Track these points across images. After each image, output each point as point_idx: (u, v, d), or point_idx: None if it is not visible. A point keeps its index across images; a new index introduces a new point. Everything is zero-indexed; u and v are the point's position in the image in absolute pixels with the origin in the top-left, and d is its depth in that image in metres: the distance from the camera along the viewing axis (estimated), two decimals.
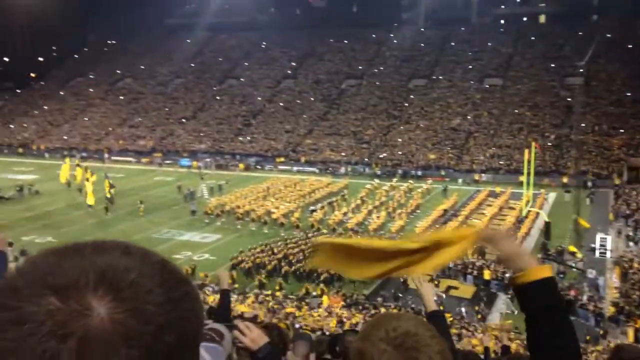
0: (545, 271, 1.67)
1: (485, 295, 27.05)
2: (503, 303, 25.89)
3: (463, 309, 25.67)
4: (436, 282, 27.54)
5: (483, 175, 53.02)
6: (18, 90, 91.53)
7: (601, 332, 23.05)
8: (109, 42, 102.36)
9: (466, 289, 27.80)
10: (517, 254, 1.75)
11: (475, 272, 28.50)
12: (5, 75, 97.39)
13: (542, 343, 1.61)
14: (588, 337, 22.22)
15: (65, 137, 73.79)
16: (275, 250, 31.84)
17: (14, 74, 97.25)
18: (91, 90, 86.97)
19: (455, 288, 28.01)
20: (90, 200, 42.26)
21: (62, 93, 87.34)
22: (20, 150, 70.94)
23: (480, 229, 1.76)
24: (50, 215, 41.65)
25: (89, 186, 42.54)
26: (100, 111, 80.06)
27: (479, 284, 28.15)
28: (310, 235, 34.53)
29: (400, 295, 26.71)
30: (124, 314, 0.77)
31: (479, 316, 24.53)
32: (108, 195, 43.06)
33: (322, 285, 27.76)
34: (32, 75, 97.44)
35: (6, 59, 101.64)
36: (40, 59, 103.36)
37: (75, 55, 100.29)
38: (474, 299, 26.82)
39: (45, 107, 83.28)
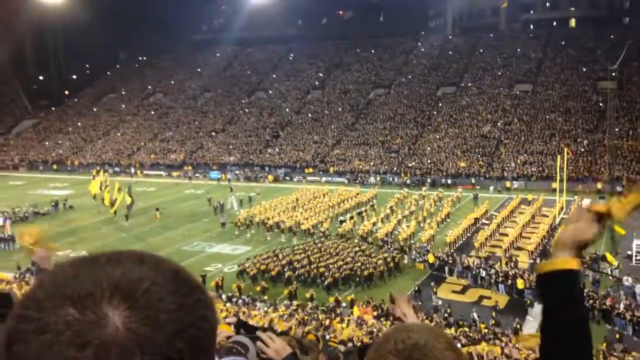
0: (572, 263, 1.60)
1: (519, 305, 26.49)
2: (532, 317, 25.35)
3: (475, 314, 25.15)
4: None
5: (515, 182, 52.22)
6: (53, 108, 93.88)
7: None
8: (139, 58, 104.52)
9: (499, 298, 27.29)
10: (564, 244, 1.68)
11: (508, 281, 27.97)
12: (40, 94, 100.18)
13: (555, 338, 1.53)
14: (624, 346, 21.61)
15: (98, 153, 75.29)
16: (280, 257, 32.45)
17: (49, 92, 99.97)
18: (123, 106, 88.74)
19: (488, 298, 27.53)
20: (111, 208, 44.68)
21: (95, 109, 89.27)
22: (55, 166, 72.58)
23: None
24: (83, 230, 42.43)
25: (108, 196, 45.67)
26: (132, 126, 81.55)
27: (513, 293, 27.60)
28: (317, 242, 35.37)
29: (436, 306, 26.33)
30: (137, 323, 0.83)
31: (517, 326, 23.98)
32: (128, 203, 45.15)
33: (352, 295, 27.55)
34: (66, 92, 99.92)
35: (41, 78, 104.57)
36: (74, 76, 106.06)
37: (108, 73, 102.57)
38: (506, 308, 26.28)
39: (79, 124, 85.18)
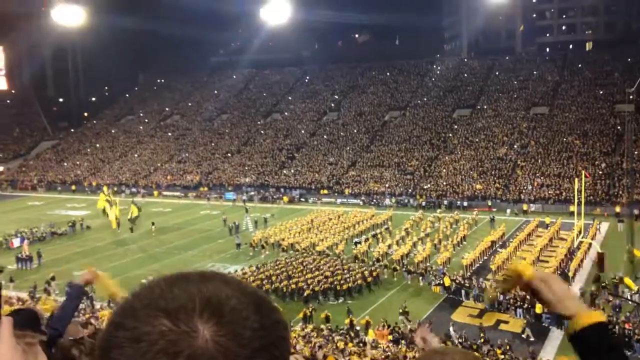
0: (598, 316, 1.57)
1: (537, 330, 26.03)
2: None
3: (451, 329, 25.03)
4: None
5: (532, 205, 51.72)
6: (72, 130, 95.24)
7: None
8: (157, 81, 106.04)
9: (516, 323, 26.85)
10: (568, 298, 1.65)
11: (526, 306, 27.52)
12: (60, 115, 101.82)
13: None
14: None
15: (115, 174, 76.03)
16: (262, 270, 33.76)
17: (68, 114, 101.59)
18: (141, 127, 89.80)
19: (505, 322, 27.09)
20: (114, 224, 47.78)
21: (113, 131, 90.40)
22: (73, 187, 73.34)
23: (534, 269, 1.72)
24: (100, 250, 42.67)
25: (112, 212, 48.00)
26: (149, 147, 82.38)
27: (530, 317, 27.14)
28: (299, 257, 36.55)
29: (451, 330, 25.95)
30: (225, 337, 0.92)
31: (530, 349, 23.54)
32: (130, 217, 47.47)
33: (367, 317, 27.26)
34: (85, 114, 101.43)
35: (61, 100, 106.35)
36: (93, 99, 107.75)
37: (126, 95, 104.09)
38: (523, 333, 25.82)
39: (97, 145, 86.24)
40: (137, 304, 0.96)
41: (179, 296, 0.95)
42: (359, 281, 31.68)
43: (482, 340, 24.44)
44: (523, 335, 25.64)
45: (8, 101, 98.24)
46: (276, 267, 34.29)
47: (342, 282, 31.31)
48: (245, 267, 35.07)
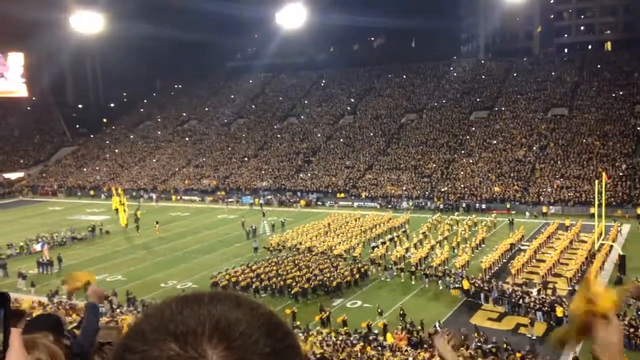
0: None
1: None
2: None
3: (437, 325, 25.56)
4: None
5: (551, 207, 51.15)
6: (91, 135, 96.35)
7: None
8: (175, 86, 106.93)
9: (537, 326, 26.52)
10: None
11: (546, 309, 27.17)
12: (80, 121, 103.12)
13: None
14: None
15: (134, 179, 76.71)
16: (254, 268, 34.98)
17: (88, 120, 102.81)
18: (159, 132, 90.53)
19: (525, 326, 26.77)
20: (123, 222, 51.03)
21: (131, 136, 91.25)
22: (92, 192, 74.12)
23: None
24: (118, 255, 43.04)
25: (122, 210, 51.29)
26: (167, 152, 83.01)
27: (551, 321, 26.78)
28: (289, 255, 37.97)
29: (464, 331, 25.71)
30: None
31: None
32: (138, 216, 51.80)
33: (383, 320, 27.10)
34: (104, 120, 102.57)
35: (80, 106, 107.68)
36: (112, 105, 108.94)
37: (144, 101, 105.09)
38: (544, 337, 25.49)
39: (116, 151, 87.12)
40: (146, 327, 0.96)
41: (188, 319, 0.95)
42: (348, 278, 32.91)
43: (481, 339, 24.36)
44: (529, 336, 25.44)
45: (29, 108, 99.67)
46: (267, 265, 35.52)
47: (331, 279, 32.42)
48: (237, 266, 35.97)
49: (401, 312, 27.77)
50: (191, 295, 1.02)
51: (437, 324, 25.97)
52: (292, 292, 31.23)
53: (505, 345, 23.60)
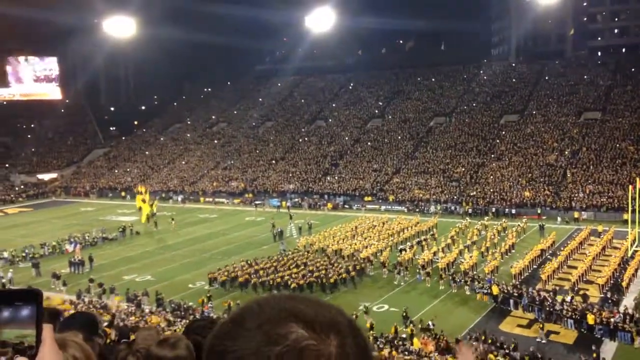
0: None
1: (589, 341, 25.14)
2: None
3: (430, 323, 26.33)
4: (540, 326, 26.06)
5: (584, 213, 50.13)
6: (123, 137, 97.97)
7: None
8: (204, 89, 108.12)
9: (568, 334, 26.02)
10: None
11: (577, 316, 26.63)
12: (111, 124, 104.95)
13: None
14: None
15: (164, 180, 77.69)
16: (253, 264, 36.31)
17: (119, 122, 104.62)
18: (188, 135, 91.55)
19: (556, 333, 26.28)
20: (143, 219, 53.27)
21: (162, 139, 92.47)
22: (123, 193, 75.28)
23: None
24: (148, 255, 43.61)
25: (145, 208, 53.95)
26: (196, 155, 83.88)
27: (582, 329, 26.24)
28: (288, 253, 39.50)
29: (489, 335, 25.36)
30: (349, 346, 1.06)
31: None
32: (154, 211, 54.42)
33: (411, 327, 26.89)
34: (135, 122, 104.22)
35: (112, 109, 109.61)
36: (143, 107, 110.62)
37: (174, 103, 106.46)
38: (575, 345, 24.98)
39: (147, 153, 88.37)
40: (266, 309, 1.08)
41: (308, 309, 1.08)
42: (343, 275, 34.00)
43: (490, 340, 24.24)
44: (538, 339, 25.09)
45: (62, 110, 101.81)
46: (266, 262, 36.74)
47: (328, 276, 33.61)
48: (236, 263, 36.90)
49: (404, 313, 27.91)
50: (279, 295, 1.14)
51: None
52: (290, 287, 32.30)
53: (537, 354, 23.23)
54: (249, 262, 36.95)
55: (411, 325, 26.91)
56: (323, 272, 34.22)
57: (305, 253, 39.35)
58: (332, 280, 33.15)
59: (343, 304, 29.24)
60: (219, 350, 1.04)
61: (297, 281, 33.04)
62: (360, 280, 34.69)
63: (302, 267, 35.46)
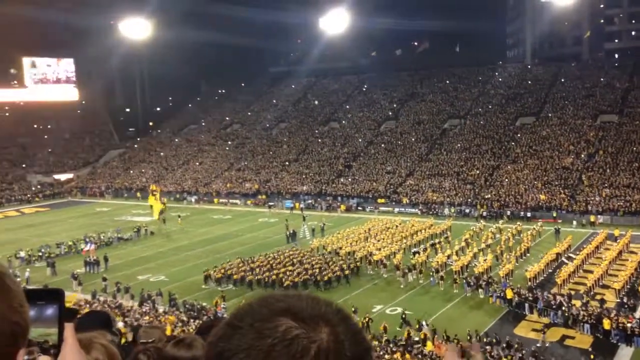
0: None
1: (605, 347, 24.87)
2: None
3: (424, 323, 26.68)
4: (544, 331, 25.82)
5: (600, 216, 49.60)
6: (138, 138, 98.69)
7: None
8: (219, 91, 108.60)
9: (583, 339, 25.75)
10: None
11: (592, 321, 26.34)
12: (127, 125, 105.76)
13: None
14: None
15: (178, 181, 78.10)
16: (249, 262, 37.36)
17: (135, 123, 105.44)
18: (202, 136, 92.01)
19: (571, 337, 26.02)
20: (156, 215, 54.56)
21: (176, 140, 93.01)
22: (138, 194, 75.78)
23: None
24: (162, 256, 43.85)
25: (156, 205, 55.39)
26: (210, 156, 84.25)
27: (598, 333, 25.95)
28: (283, 251, 40.03)
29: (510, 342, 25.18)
30: (341, 335, 1.09)
31: None
32: (163, 208, 55.72)
33: (425, 328, 26.77)
34: (151, 124, 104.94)
35: (128, 110, 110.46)
36: (158, 109, 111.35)
37: (189, 105, 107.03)
38: (592, 350, 24.71)
39: (162, 153, 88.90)
40: (256, 308, 1.11)
41: (298, 302, 1.12)
42: (337, 273, 35.03)
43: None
44: (538, 344, 24.96)
45: (79, 111, 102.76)
46: (263, 260, 37.71)
47: (322, 273, 34.60)
48: (232, 260, 37.99)
49: (403, 315, 27.85)
50: (271, 294, 1.16)
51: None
52: (284, 285, 33.08)
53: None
54: (244, 260, 37.94)
55: (408, 327, 26.98)
56: (317, 270, 35.19)
57: (301, 252, 39.87)
58: (326, 278, 34.15)
59: (356, 306, 29.23)
60: (216, 352, 1.07)
61: (291, 279, 33.82)
62: (355, 278, 35.54)
63: (298, 265, 36.32)
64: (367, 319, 27.63)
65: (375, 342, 25.08)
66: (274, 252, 39.88)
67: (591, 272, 33.54)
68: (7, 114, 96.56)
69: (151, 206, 56.80)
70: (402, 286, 34.14)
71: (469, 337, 25.32)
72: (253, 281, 34.48)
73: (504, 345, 24.48)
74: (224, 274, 35.69)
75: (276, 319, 1.06)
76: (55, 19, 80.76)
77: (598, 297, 29.60)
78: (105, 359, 2.02)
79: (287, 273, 34.72)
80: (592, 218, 49.29)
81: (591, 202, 52.07)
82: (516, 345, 24.22)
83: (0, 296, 1.11)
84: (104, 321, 2.90)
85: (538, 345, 24.83)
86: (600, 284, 32.37)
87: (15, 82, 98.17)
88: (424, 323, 26.86)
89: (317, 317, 1.09)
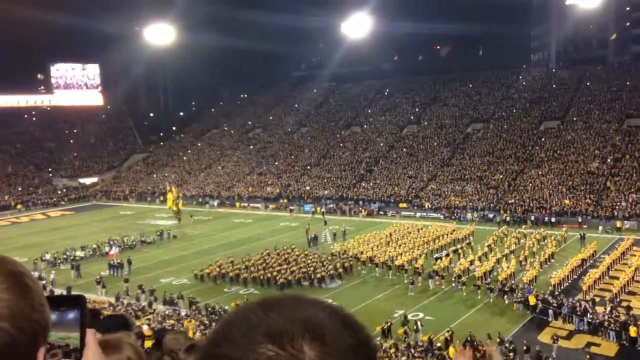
0: None
1: (631, 355, 24.36)
2: None
3: (419, 323, 27.20)
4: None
5: (626, 222, 48.71)
6: (161, 143, 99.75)
7: None
8: (241, 95, 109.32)
9: (609, 346, 25.26)
10: None
11: (618, 328, 25.83)
12: (151, 129, 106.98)
13: None
14: None
15: (200, 185, 78.70)
16: (243, 260, 38.51)
17: (158, 128, 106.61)
18: (224, 140, 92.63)
19: (597, 345, 25.55)
20: (169, 204, 59.28)
21: (199, 144, 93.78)
22: (161, 197, 76.47)
23: None
24: (184, 259, 44.17)
25: (173, 204, 59.22)
26: (232, 160, 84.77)
27: (624, 341, 25.44)
28: (278, 250, 40.93)
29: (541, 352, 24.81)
30: (329, 356, 0.96)
31: None
32: (177, 207, 59.26)
33: (447, 334, 26.51)
34: (174, 128, 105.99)
35: (151, 115, 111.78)
36: (181, 113, 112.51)
37: (212, 109, 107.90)
38: (616, 358, 24.22)
39: (184, 158, 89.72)
40: (235, 332, 0.98)
41: (278, 321, 0.97)
42: (331, 271, 36.10)
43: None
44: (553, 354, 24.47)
45: (103, 116, 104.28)
46: (259, 258, 38.83)
47: (316, 271, 35.63)
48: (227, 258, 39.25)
49: (404, 318, 27.75)
50: (270, 299, 1.05)
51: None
52: (278, 283, 34.27)
53: None
54: (242, 259, 39.16)
55: (406, 328, 27.13)
56: (312, 268, 36.22)
57: (297, 251, 40.83)
58: (318, 276, 35.23)
59: (377, 311, 29.14)
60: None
61: (285, 276, 34.82)
62: (350, 277, 36.83)
63: (293, 264, 37.33)
64: (388, 323, 27.48)
65: (390, 347, 24.94)
66: (268, 251, 41.11)
67: (617, 278, 32.95)
68: (34, 119, 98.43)
69: (169, 206, 60.72)
70: (410, 293, 33.57)
71: (488, 339, 25.06)
72: (248, 279, 35.69)
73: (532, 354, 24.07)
74: (220, 272, 36.90)
75: (257, 345, 0.95)
76: (82, 25, 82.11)
77: (624, 303, 29.05)
78: (136, 358, 2.05)
79: (281, 271, 35.76)
80: (618, 224, 48.43)
81: (617, 207, 51.17)
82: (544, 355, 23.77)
83: (21, 295, 1.12)
84: (123, 324, 2.93)
85: (553, 354, 24.47)
86: (627, 290, 31.77)
87: (42, 87, 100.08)
88: (419, 323, 27.38)
89: (299, 335, 0.96)
